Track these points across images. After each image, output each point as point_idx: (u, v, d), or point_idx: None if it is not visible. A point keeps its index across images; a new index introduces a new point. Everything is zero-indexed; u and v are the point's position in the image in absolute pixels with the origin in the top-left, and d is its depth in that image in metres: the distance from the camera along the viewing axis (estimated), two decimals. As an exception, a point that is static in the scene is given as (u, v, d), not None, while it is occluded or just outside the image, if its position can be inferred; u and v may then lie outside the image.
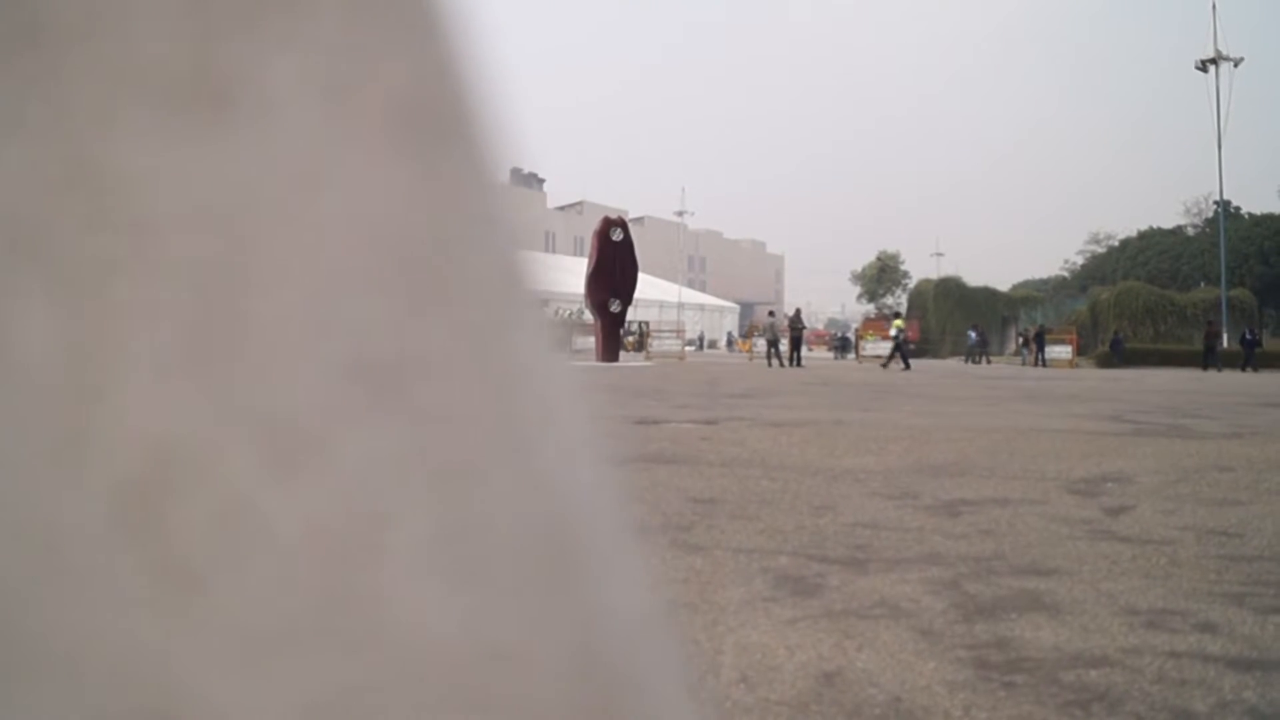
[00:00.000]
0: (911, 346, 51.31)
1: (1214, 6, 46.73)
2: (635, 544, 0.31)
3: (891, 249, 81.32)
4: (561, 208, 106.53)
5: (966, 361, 43.33)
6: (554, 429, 0.30)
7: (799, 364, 32.85)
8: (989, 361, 42.68)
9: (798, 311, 35.67)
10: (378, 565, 0.26)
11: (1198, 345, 41.83)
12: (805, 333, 35.16)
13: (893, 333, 35.10)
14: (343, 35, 0.27)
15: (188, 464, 0.25)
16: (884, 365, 32.37)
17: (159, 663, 0.24)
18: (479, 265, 0.29)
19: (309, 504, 0.25)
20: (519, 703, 0.26)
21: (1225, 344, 43.65)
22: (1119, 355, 40.81)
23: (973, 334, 44.56)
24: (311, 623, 0.25)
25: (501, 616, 0.26)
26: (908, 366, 32.74)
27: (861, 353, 43.02)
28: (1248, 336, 38.86)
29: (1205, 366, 36.84)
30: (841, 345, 56.91)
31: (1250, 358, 37.11)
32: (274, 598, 0.25)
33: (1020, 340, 46.00)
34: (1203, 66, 47.28)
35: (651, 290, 70.52)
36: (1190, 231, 66.83)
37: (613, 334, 35.04)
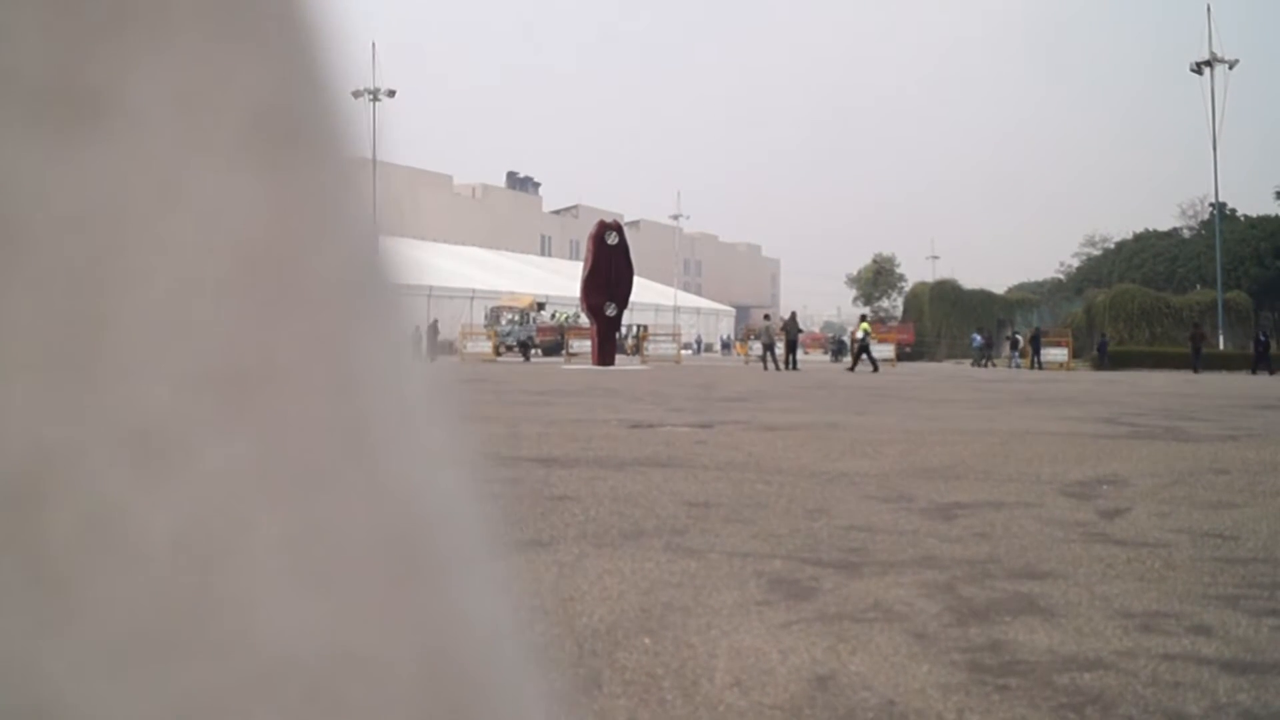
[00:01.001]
0: (908, 350, 51.48)
1: (1208, 8, 46.90)
2: (492, 547, 0.31)
3: (887, 252, 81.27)
4: (557, 211, 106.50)
5: (974, 365, 43.22)
6: (409, 433, 0.29)
7: (795, 367, 32.87)
8: (994, 365, 42.57)
9: (793, 315, 35.70)
10: (234, 571, 0.25)
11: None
12: (801, 336, 35.18)
13: (859, 335, 35.22)
14: (202, 46, 0.27)
15: (45, 470, 0.25)
16: (850, 369, 32.41)
17: (22, 669, 0.24)
18: (334, 272, 0.28)
19: (165, 510, 0.25)
20: (372, 707, 0.26)
21: (1222, 346, 43.76)
22: (1104, 358, 40.93)
23: (977, 337, 44.52)
24: (169, 629, 0.25)
25: (355, 622, 0.26)
26: (875, 368, 32.85)
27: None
28: (1262, 339, 38.85)
29: (1193, 369, 36.88)
30: (837, 349, 56.95)
31: (1264, 360, 37.00)
32: (131, 605, 0.24)
33: (1009, 343, 45.97)
34: (1198, 68, 47.44)
35: (647, 294, 70.53)
36: (1186, 234, 66.93)
37: (608, 337, 35.08)
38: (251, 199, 0.27)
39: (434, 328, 46.54)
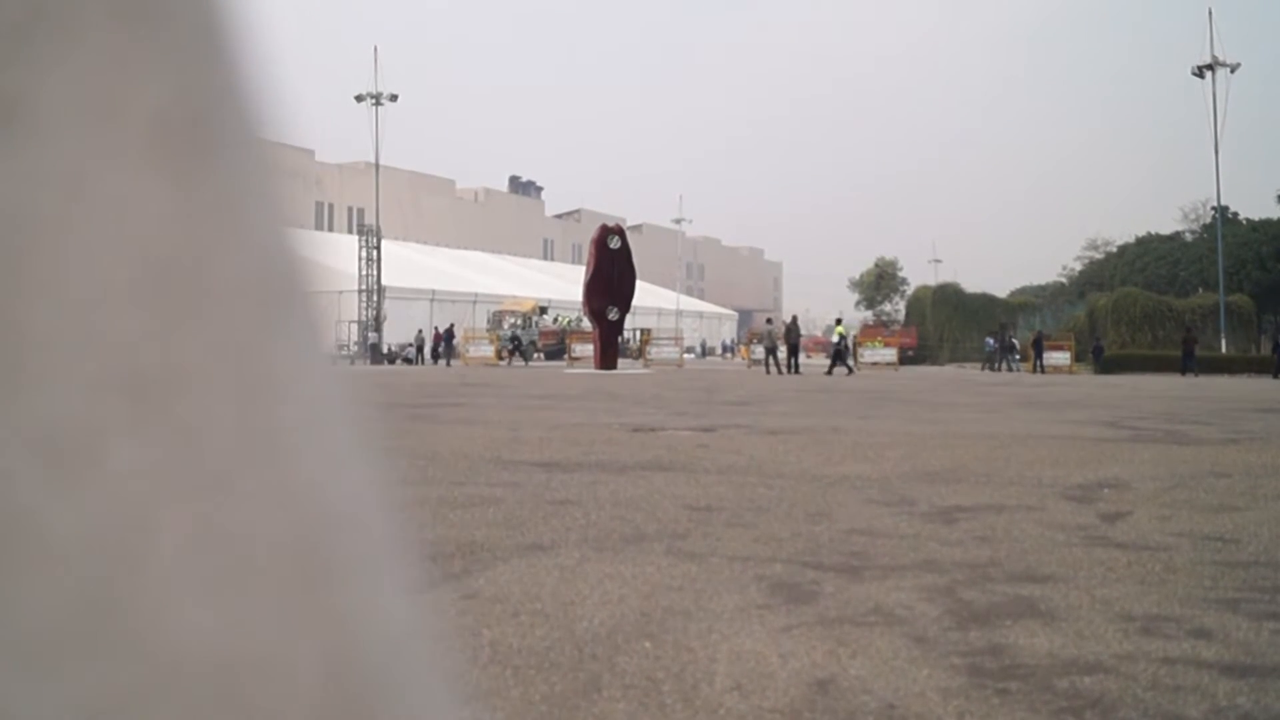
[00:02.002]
0: (910, 353, 51.39)
1: (1210, 12, 46.91)
2: (398, 550, 0.32)
3: (890, 255, 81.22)
4: (559, 215, 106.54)
5: (984, 369, 42.99)
6: (316, 437, 0.30)
7: (797, 371, 32.85)
8: (1011, 369, 42.30)
9: (794, 319, 35.69)
10: (140, 574, 0.26)
11: (1197, 351, 41.87)
12: (803, 340, 35.16)
13: (834, 339, 35.19)
14: (112, 51, 0.27)
15: None
16: (828, 372, 32.43)
17: None
18: (243, 277, 0.29)
19: (73, 513, 0.26)
20: (274, 708, 0.26)
21: (1224, 349, 43.66)
22: (1098, 361, 40.96)
23: (991, 341, 44.33)
24: (77, 630, 0.25)
25: (258, 623, 0.27)
26: (850, 370, 32.89)
27: (860, 360, 43.02)
28: None
29: (1183, 371, 36.81)
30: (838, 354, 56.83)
31: None
32: (38, 606, 0.25)
33: (1006, 346, 45.81)
34: (1199, 72, 47.43)
35: (650, 298, 70.52)
36: (1188, 237, 66.78)
37: (611, 341, 35.09)
38: (160, 204, 0.28)
39: (449, 333, 46.51)
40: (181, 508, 0.26)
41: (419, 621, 0.32)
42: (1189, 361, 37.68)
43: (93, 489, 0.26)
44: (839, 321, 36.35)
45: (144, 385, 0.27)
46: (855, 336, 51.73)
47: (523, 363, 44.17)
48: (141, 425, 0.26)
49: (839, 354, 33.75)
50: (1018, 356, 43.77)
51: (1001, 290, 69.16)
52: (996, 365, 43.17)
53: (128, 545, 0.26)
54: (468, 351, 45.33)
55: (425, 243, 75.84)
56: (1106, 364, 40.54)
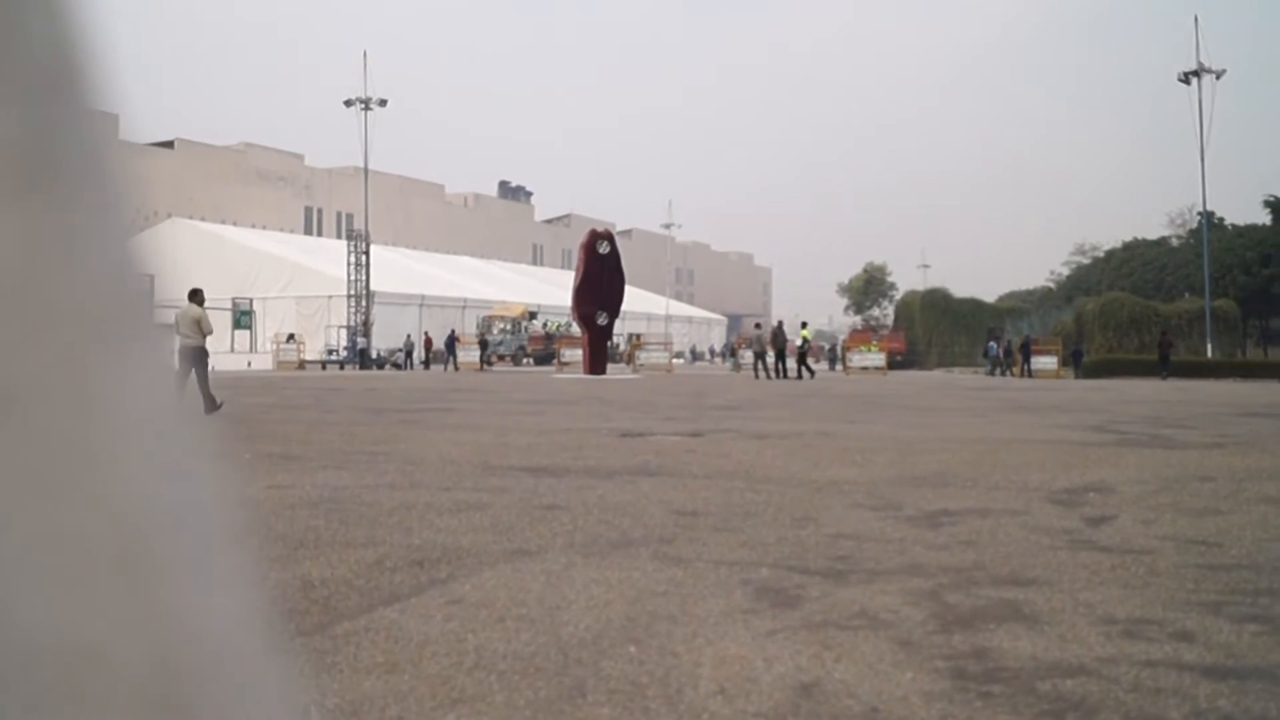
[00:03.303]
0: (899, 358, 51.44)
1: (1196, 19, 47.07)
2: (231, 550, 0.34)
3: (879, 260, 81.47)
4: (549, 221, 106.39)
5: (990, 374, 42.89)
6: (148, 446, 0.31)
7: (785, 375, 32.87)
8: (1002, 373, 42.23)
9: (779, 324, 35.75)
10: None
11: (1184, 355, 42.00)
12: (790, 345, 35.19)
13: (798, 343, 35.31)
14: None
15: None
16: (798, 376, 32.54)
17: None
18: (83, 299, 0.30)
19: None
20: (106, 698, 0.28)
21: (1210, 354, 43.81)
22: (1077, 366, 41.18)
23: (994, 345, 44.30)
24: None
25: (91, 619, 0.28)
26: (811, 375, 33.04)
27: (849, 365, 43.04)
28: None
29: (1160, 375, 36.99)
30: (831, 358, 56.87)
31: None
32: None
33: (986, 351, 45.84)
34: (1185, 78, 47.57)
35: (639, 303, 70.47)
36: (1174, 242, 67.02)
37: (600, 346, 35.07)
38: (4, 229, 0.29)
39: (451, 339, 46.39)
40: (20, 511, 0.28)
41: (248, 615, 0.33)
42: (1164, 365, 37.95)
43: None
44: (804, 325, 36.51)
45: None
46: (843, 341, 51.85)
47: (490, 366, 44.16)
48: None
49: (802, 357, 34.04)
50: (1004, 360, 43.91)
51: (990, 295, 69.39)
52: (1002, 369, 42.86)
53: None
54: (458, 356, 45.32)
55: (414, 247, 75.75)
56: (1087, 369, 40.72)
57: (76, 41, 0.31)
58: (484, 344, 46.30)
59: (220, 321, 13.43)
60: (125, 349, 0.31)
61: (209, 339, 14.37)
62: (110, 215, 0.32)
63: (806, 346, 35.26)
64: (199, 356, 14.08)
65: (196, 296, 14.61)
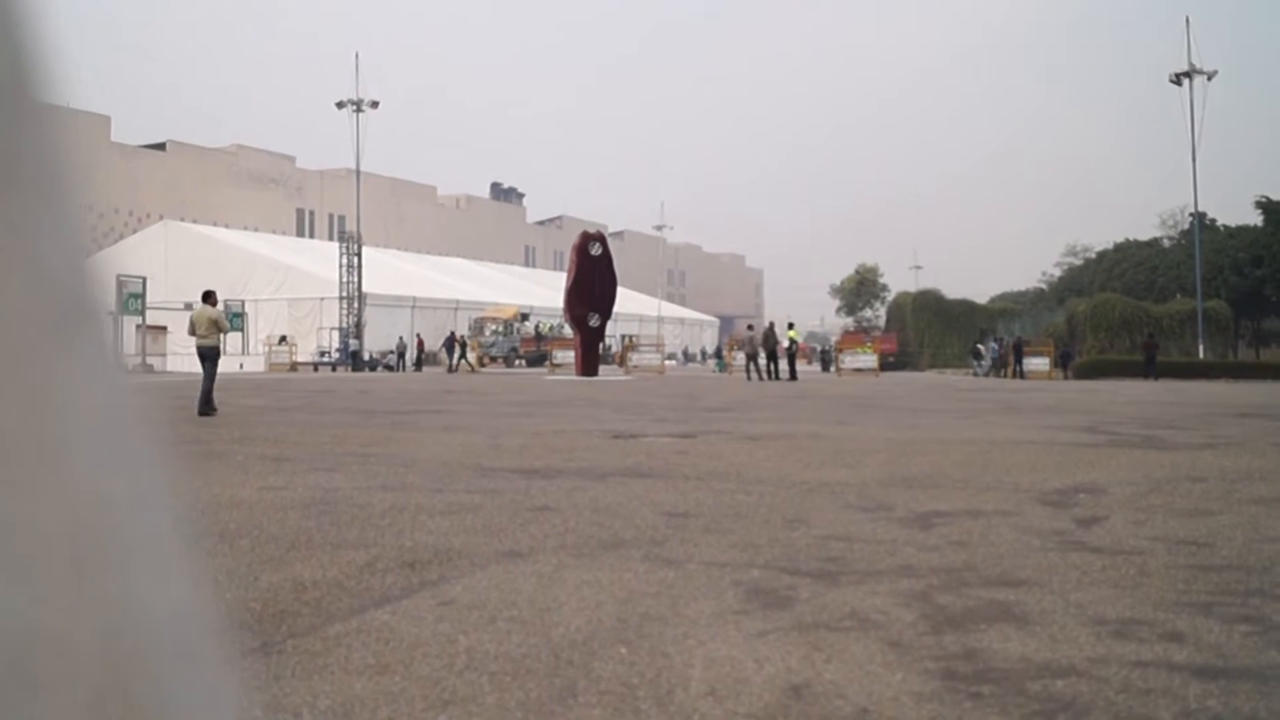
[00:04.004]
0: (891, 359, 51.50)
1: (1187, 20, 47.20)
2: (176, 542, 0.35)
3: (871, 262, 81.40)
4: (541, 222, 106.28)
5: (990, 375, 42.86)
6: (97, 441, 0.32)
7: (777, 377, 32.90)
8: (1011, 374, 42.13)
9: (770, 326, 35.78)
10: None
11: (1175, 356, 42.12)
12: (780, 346, 35.21)
13: (785, 344, 35.33)
14: None
15: None
16: (790, 378, 32.57)
17: None
18: (32, 302, 0.31)
19: None
20: (58, 681, 0.29)
21: (1202, 355, 43.91)
22: (1066, 368, 41.28)
23: (995, 346, 44.31)
24: None
25: (44, 605, 0.29)
26: (794, 377, 33.07)
27: (841, 366, 43.08)
28: None
29: (1146, 376, 37.06)
30: (824, 360, 56.93)
31: None
32: None
33: (973, 352, 45.86)
34: (1177, 80, 47.67)
35: (631, 304, 70.49)
36: (1166, 244, 67.09)
37: (592, 348, 35.08)
38: None
39: (451, 340, 46.20)
40: None
41: (193, 607, 0.35)
42: (1151, 367, 38.06)
43: None
44: (791, 326, 36.58)
45: None
46: (836, 343, 51.89)
47: (468, 368, 43.94)
48: None
49: (791, 358, 34.11)
50: (985, 362, 44.07)
51: (982, 296, 69.50)
52: (999, 370, 42.79)
53: None
54: (455, 357, 45.22)
55: (407, 249, 75.65)
56: (1079, 370, 40.82)
57: (23, 37, 0.31)
58: (457, 345, 45.74)
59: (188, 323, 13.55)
60: (75, 345, 0.32)
61: (224, 338, 14.65)
62: (59, 211, 0.32)
63: (795, 348, 35.33)
64: (214, 356, 14.28)
65: (210, 298, 14.91)
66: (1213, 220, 60.77)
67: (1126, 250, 67.11)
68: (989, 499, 6.47)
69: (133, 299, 40.67)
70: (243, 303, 48.47)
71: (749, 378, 32.86)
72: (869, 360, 42.38)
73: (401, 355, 48.19)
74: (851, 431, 11.97)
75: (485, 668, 3.09)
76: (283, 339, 46.94)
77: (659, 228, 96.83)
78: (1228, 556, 4.76)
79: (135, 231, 60.33)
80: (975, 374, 43.57)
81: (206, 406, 13.78)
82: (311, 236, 74.55)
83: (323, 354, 48.52)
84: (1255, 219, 56.60)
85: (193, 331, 14.55)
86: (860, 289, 78.39)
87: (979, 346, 45.70)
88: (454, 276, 68.58)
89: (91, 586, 0.31)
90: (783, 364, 34.04)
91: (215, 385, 14.28)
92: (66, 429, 0.31)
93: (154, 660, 0.32)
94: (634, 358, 43.74)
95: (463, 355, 45.01)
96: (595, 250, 34.40)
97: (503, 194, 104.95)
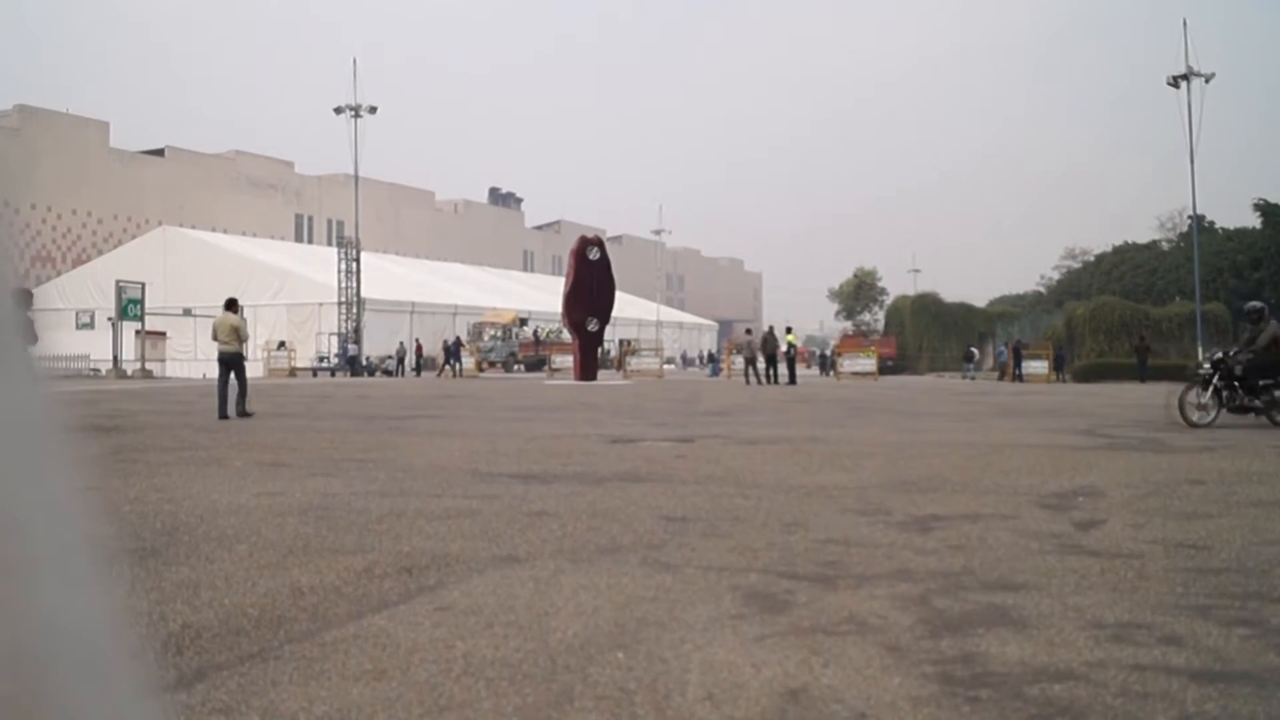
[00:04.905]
0: (889, 363, 51.50)
1: (1185, 23, 47.22)
2: (89, 552, 0.34)
3: (869, 265, 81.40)
4: (539, 227, 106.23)
5: (1001, 379, 42.78)
6: (6, 451, 0.32)
7: (776, 381, 32.88)
8: (1011, 378, 41.97)
9: (770, 330, 35.78)
10: None
11: (1174, 359, 42.10)
12: (779, 350, 35.20)
13: (784, 348, 35.32)
14: None
15: None
16: (789, 381, 32.55)
17: None
18: None
19: None
20: None
21: (1201, 357, 43.94)
22: (1060, 369, 41.36)
23: (1003, 349, 44.21)
24: None
25: None
26: (786, 381, 33.03)
27: (839, 370, 43.05)
28: None
29: (1140, 379, 37.07)
30: (823, 363, 56.91)
31: None
32: None
33: (965, 356, 45.87)
34: (1174, 82, 47.68)
35: (629, 309, 70.33)
36: (1165, 246, 67.14)
37: (590, 353, 35.08)
38: None
39: (450, 344, 46.13)
40: None
41: (105, 615, 0.34)
42: (1143, 369, 38.14)
43: None
44: (789, 330, 36.57)
45: None
46: (834, 346, 51.88)
47: (458, 373, 43.81)
48: None
49: (790, 362, 34.11)
50: (972, 366, 44.19)
51: (980, 300, 69.56)
52: (1014, 373, 42.51)
53: None
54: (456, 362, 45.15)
55: (405, 254, 75.63)
56: (1077, 373, 40.90)
57: None
58: (450, 352, 45.51)
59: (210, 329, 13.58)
60: None
61: (246, 345, 14.93)
62: None
63: (794, 352, 35.34)
64: (237, 362, 14.56)
65: (233, 306, 15.29)
66: (1211, 223, 60.84)
67: (1125, 253, 67.20)
68: (987, 502, 6.47)
69: (132, 305, 40.69)
70: (241, 308, 48.41)
71: (748, 382, 32.84)
72: (868, 364, 42.36)
73: (401, 360, 48.14)
74: (850, 435, 11.96)
75: (482, 673, 3.09)
76: (281, 344, 46.88)
77: (657, 232, 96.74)
78: (1226, 560, 4.75)
79: (134, 237, 60.31)
80: (965, 377, 43.59)
81: (242, 407, 14.17)
82: (310, 242, 74.55)
83: (321, 359, 48.48)
84: (1254, 221, 56.67)
85: (215, 338, 14.96)
86: (859, 293, 78.41)
87: (972, 350, 45.77)
88: (452, 281, 68.52)
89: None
90: (781, 368, 34.00)
91: (220, 389, 14.56)
92: None
93: (59, 672, 0.31)
94: (632, 362, 43.71)
95: (448, 361, 44.77)
96: (593, 255, 34.43)
97: (501, 199, 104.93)
